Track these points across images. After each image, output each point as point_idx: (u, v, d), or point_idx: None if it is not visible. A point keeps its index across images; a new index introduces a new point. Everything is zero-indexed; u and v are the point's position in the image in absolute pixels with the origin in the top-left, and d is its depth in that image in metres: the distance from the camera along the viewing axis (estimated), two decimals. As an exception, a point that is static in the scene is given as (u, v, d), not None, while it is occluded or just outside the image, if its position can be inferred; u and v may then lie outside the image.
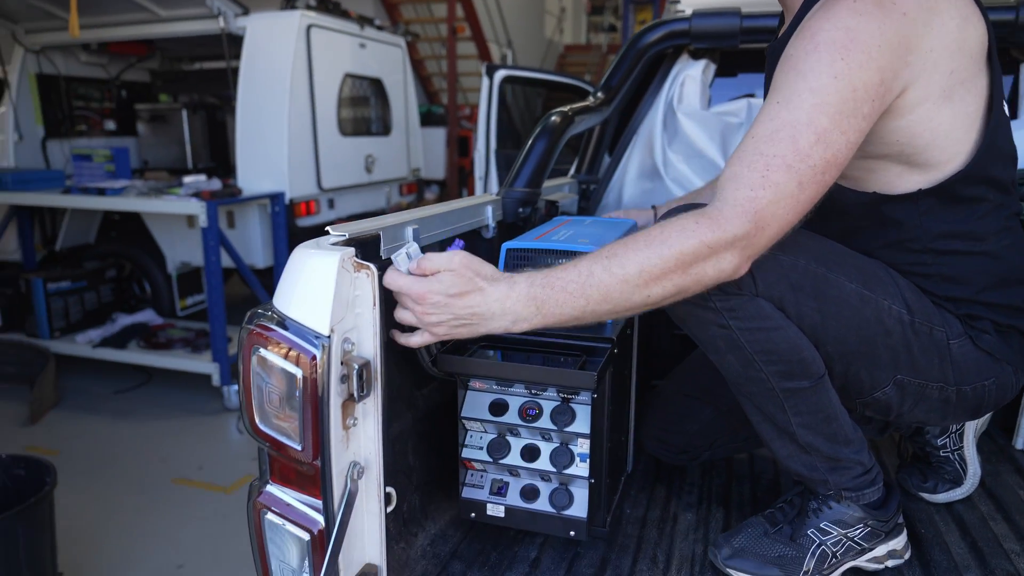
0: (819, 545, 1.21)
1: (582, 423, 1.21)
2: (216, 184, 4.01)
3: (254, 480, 1.09)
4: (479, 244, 1.67)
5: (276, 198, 4.12)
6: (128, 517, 2.86)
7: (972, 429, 1.44)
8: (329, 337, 0.97)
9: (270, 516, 1.06)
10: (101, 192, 3.90)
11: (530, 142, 1.87)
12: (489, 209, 1.66)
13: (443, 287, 1.01)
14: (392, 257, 1.05)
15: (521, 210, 1.79)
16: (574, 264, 0.99)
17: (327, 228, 1.10)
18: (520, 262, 1.38)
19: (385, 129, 5.27)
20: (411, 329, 1.09)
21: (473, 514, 1.29)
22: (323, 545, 1.02)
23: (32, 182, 4.14)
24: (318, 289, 0.98)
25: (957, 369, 1.14)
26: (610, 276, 0.97)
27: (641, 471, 1.62)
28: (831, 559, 1.21)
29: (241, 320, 1.02)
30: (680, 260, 0.96)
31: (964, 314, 1.15)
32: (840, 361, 1.13)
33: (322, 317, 0.97)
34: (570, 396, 1.24)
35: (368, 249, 1.10)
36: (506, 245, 1.38)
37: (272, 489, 1.07)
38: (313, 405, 0.98)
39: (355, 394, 1.01)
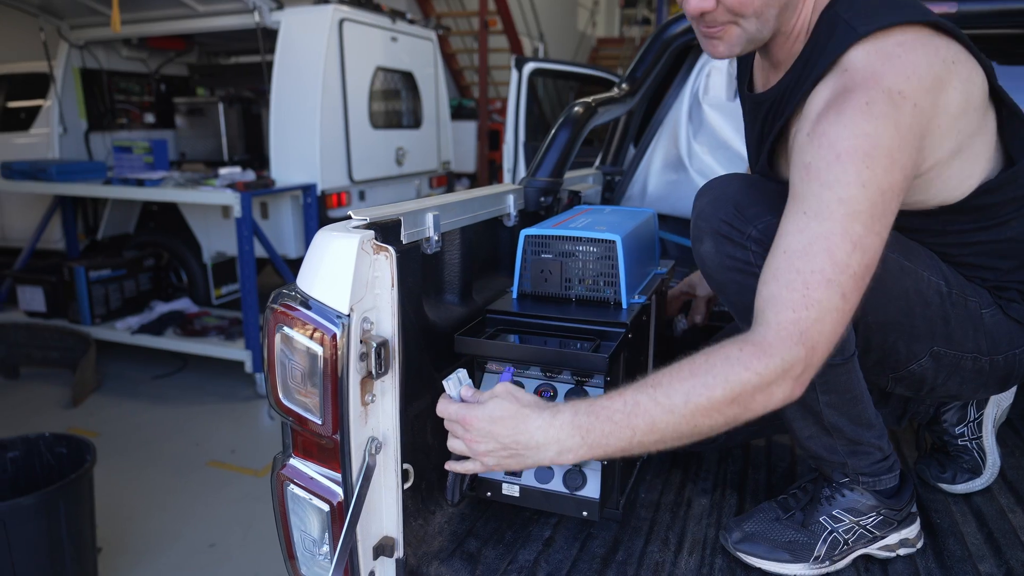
0: (831, 532, 1.21)
1: None
2: (250, 176, 4.10)
3: (278, 454, 1.14)
4: (500, 232, 1.70)
5: (308, 189, 4.19)
6: (163, 497, 2.96)
7: (991, 418, 1.43)
8: (349, 316, 1.01)
9: (293, 488, 1.10)
10: (140, 183, 4.01)
11: (553, 132, 1.89)
12: (511, 198, 1.68)
13: (486, 412, 1.03)
14: (444, 383, 1.10)
15: (543, 199, 1.81)
16: (619, 393, 0.97)
17: (350, 212, 1.14)
18: (539, 248, 1.40)
19: (416, 122, 5.32)
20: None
21: (489, 493, 1.32)
22: (342, 516, 1.06)
23: (75, 173, 4.28)
24: (339, 270, 1.02)
25: (990, 339, 1.16)
26: (656, 406, 0.94)
27: (657, 458, 1.63)
28: (842, 546, 1.22)
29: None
30: (727, 392, 0.92)
31: (992, 286, 1.18)
32: (879, 332, 1.15)
33: (342, 297, 1.01)
34: (584, 380, 1.26)
35: (389, 233, 1.14)
36: (525, 232, 1.41)
37: (295, 462, 1.11)
38: (333, 381, 1.02)
39: (373, 372, 1.05)
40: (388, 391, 1.10)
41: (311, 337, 1.02)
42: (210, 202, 3.82)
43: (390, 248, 1.05)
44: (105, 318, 4.38)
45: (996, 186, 1.08)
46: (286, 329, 1.04)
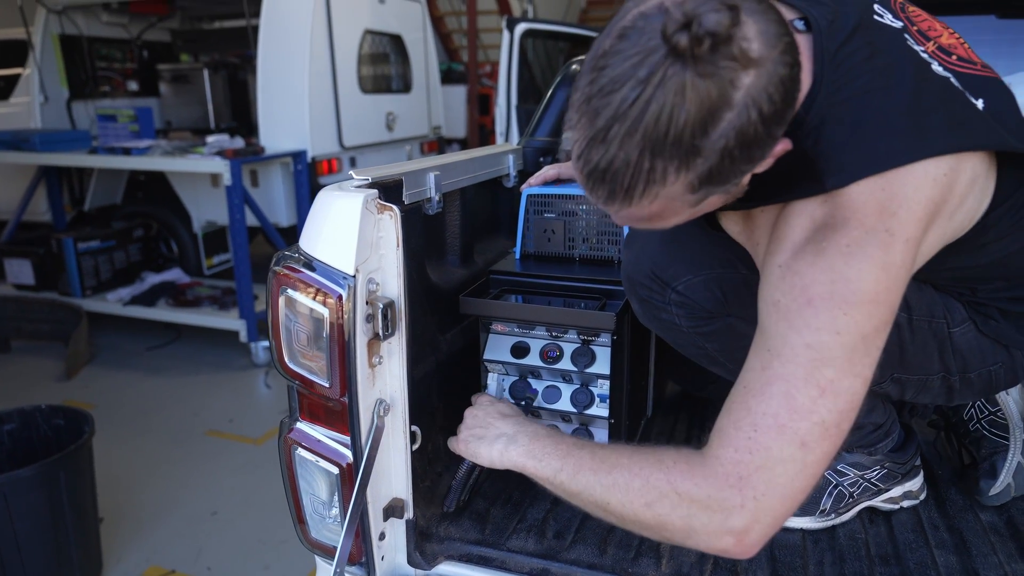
0: (836, 486, 1.22)
1: (602, 364, 1.24)
2: (239, 143, 4.03)
3: (284, 418, 1.13)
4: (500, 193, 1.69)
5: (298, 156, 4.13)
6: (163, 467, 2.96)
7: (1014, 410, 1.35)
8: (354, 277, 0.99)
9: (300, 451, 1.10)
10: (127, 152, 3.94)
11: (551, 91, 1.86)
12: (510, 158, 1.66)
13: (496, 400, 1.18)
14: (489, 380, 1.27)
15: (542, 159, 1.79)
16: (577, 437, 1.03)
17: (351, 172, 1.12)
18: (541, 208, 1.39)
19: (405, 86, 5.24)
20: None
21: None
22: (351, 478, 1.06)
23: (59, 143, 4.20)
24: (343, 230, 1.00)
25: (960, 358, 1.08)
26: (589, 459, 0.95)
27: (662, 416, 1.64)
28: (847, 499, 1.23)
29: (266, 278, 1.06)
30: (643, 491, 0.88)
31: (967, 301, 1.08)
32: None
33: (347, 258, 0.99)
34: (590, 338, 1.26)
35: (391, 193, 1.12)
36: (527, 191, 1.39)
37: (302, 426, 1.11)
38: (340, 343, 1.00)
39: (380, 333, 1.04)
40: (395, 353, 1.09)
41: (316, 299, 1.01)
42: (199, 170, 3.77)
43: (395, 207, 1.04)
44: (96, 290, 4.34)
45: (981, 224, 0.93)
46: (290, 292, 1.03)
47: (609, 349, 1.24)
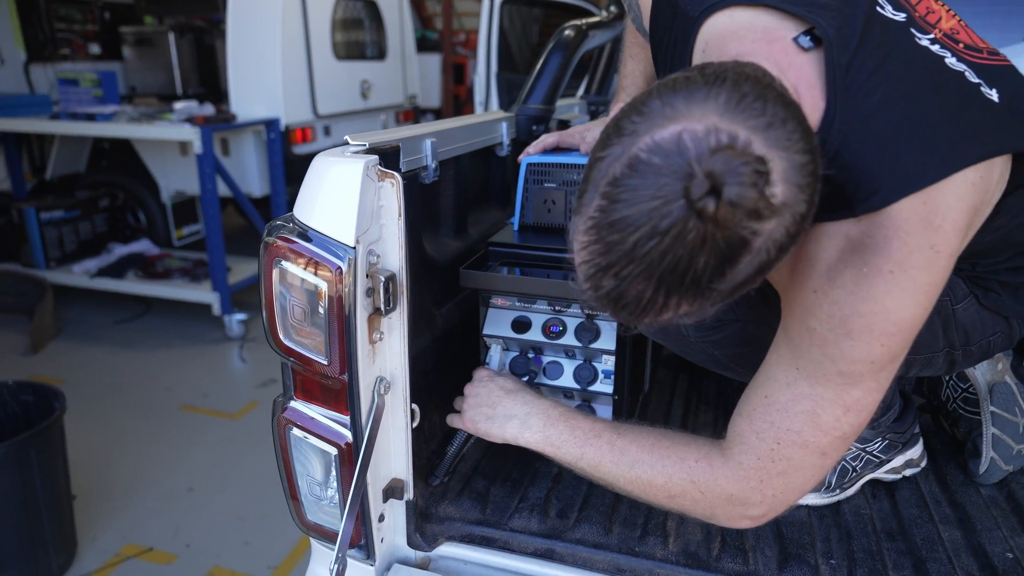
0: (839, 461, 1.21)
1: (607, 339, 1.20)
2: (209, 109, 3.88)
3: (278, 397, 1.07)
4: (492, 163, 1.63)
5: (271, 124, 4.01)
6: (137, 443, 2.88)
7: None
8: (354, 249, 0.94)
9: (296, 432, 1.05)
10: (91, 118, 3.78)
11: (544, 57, 1.79)
12: (504, 126, 1.60)
13: (496, 375, 1.16)
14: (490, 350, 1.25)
15: (535, 128, 1.73)
16: (595, 419, 1.03)
17: (346, 138, 1.05)
18: (541, 177, 1.33)
19: (380, 53, 5.10)
20: None
21: None
22: (351, 459, 1.01)
23: (18, 107, 4.01)
24: (342, 199, 0.94)
25: (962, 333, 1.08)
26: (608, 452, 0.98)
27: (657, 390, 1.62)
28: (851, 473, 1.22)
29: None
30: (666, 486, 0.93)
31: (967, 276, 1.06)
32: None
33: (347, 228, 0.94)
34: (595, 312, 1.22)
35: (388, 160, 1.06)
36: (527, 159, 1.34)
37: (296, 405, 1.06)
38: (339, 319, 0.95)
39: (381, 308, 0.99)
40: (395, 328, 1.04)
41: (313, 272, 0.95)
42: (169, 138, 3.63)
43: (396, 175, 0.98)
44: (60, 261, 4.18)
45: (994, 211, 0.89)
46: (284, 264, 0.97)
47: (615, 323, 1.20)
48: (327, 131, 4.51)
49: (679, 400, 1.58)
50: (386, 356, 1.04)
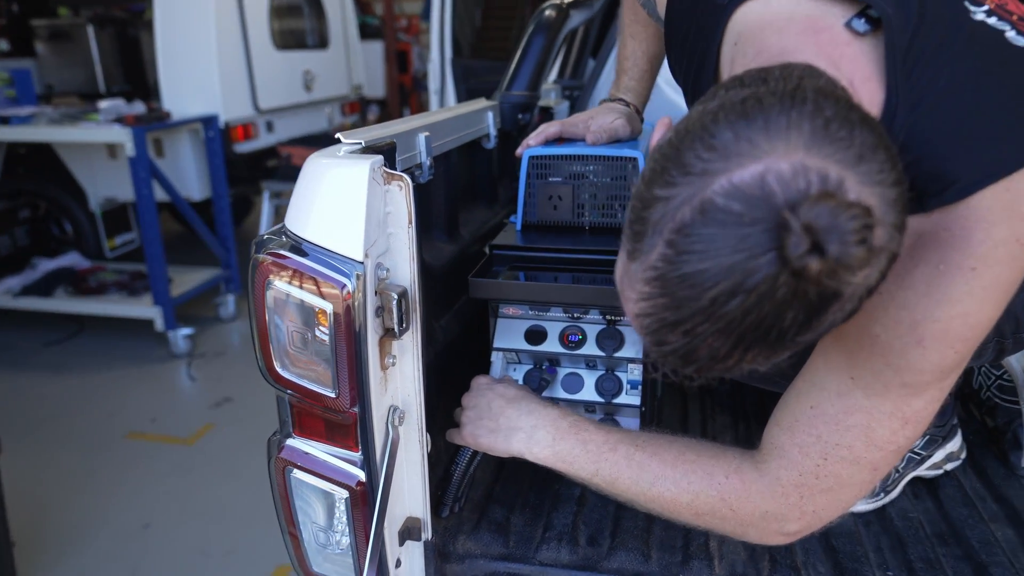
0: (882, 461, 1.17)
1: (633, 347, 1.14)
2: (139, 108, 3.71)
3: (273, 435, 0.99)
4: (478, 156, 1.57)
5: (209, 122, 3.86)
6: (81, 479, 2.72)
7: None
8: (363, 263, 0.85)
9: (297, 474, 0.97)
10: (5, 121, 3.54)
11: (525, 40, 1.72)
12: (490, 116, 1.54)
13: (495, 381, 1.11)
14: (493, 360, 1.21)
15: (521, 116, 1.66)
16: (609, 429, 0.98)
17: (337, 135, 0.97)
18: (545, 171, 1.26)
19: (322, 42, 4.95)
20: None
21: None
22: (364, 501, 0.94)
23: (-81, 112, 3.73)
24: (346, 206, 0.85)
25: (1013, 320, 1.03)
26: (626, 468, 0.93)
27: (668, 394, 1.57)
28: (894, 475, 1.19)
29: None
30: (692, 505, 0.89)
31: None
32: None
33: (354, 240, 0.85)
34: (616, 317, 1.16)
35: (386, 159, 0.96)
36: (529, 153, 1.27)
37: (296, 443, 0.97)
38: (348, 344, 0.87)
39: (395, 328, 0.90)
40: (407, 350, 0.96)
41: (316, 292, 0.86)
42: (97, 140, 3.44)
43: (405, 176, 0.89)
44: (-22, 281, 3.92)
45: None
46: (278, 284, 0.88)
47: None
48: (270, 127, 4.36)
49: (694, 404, 1.53)
50: (398, 382, 0.97)
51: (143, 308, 3.71)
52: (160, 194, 3.72)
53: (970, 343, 0.73)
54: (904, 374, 0.74)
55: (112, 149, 3.94)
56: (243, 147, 4.10)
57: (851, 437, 0.78)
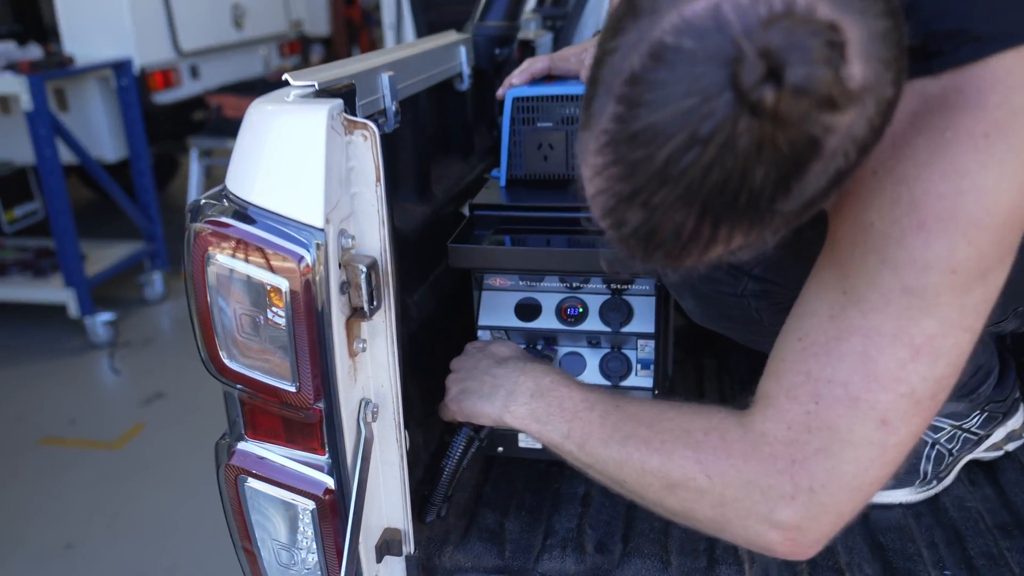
0: (932, 445, 1.18)
1: (643, 320, 1.15)
2: (35, 52, 3.67)
3: (222, 439, 0.98)
4: (449, 99, 1.56)
5: (121, 67, 3.81)
6: (-11, 494, 2.69)
7: None
8: (323, 231, 0.83)
9: (253, 483, 0.96)
10: None
11: (502, -42, 1.67)
12: (462, 51, 1.52)
13: (491, 342, 1.14)
14: None
15: (498, 51, 1.65)
16: (592, 389, 0.98)
17: (285, 77, 0.93)
18: (532, 116, 1.26)
19: (252, -31, 4.85)
20: None
21: (501, 448, 1.23)
22: (334, 512, 0.93)
23: None
24: (301, 162, 0.83)
25: None
26: (600, 427, 0.91)
27: (680, 374, 1.57)
28: (948, 458, 1.19)
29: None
30: (663, 471, 0.84)
31: None
32: None
33: (311, 203, 0.83)
34: (623, 286, 1.16)
35: (346, 104, 0.93)
36: (512, 92, 1.25)
37: (249, 447, 0.96)
38: (309, 327, 0.85)
39: (364, 307, 0.89)
40: (380, 332, 0.95)
41: (267, 266, 0.84)
42: (-17, 92, 3.34)
43: (370, 124, 0.87)
44: None
45: None
46: (221, 258, 0.86)
47: (653, 299, 1.14)
48: (194, 72, 4.33)
49: (711, 385, 1.54)
50: (370, 371, 0.96)
51: (53, 291, 3.67)
52: (67, 155, 3.67)
53: (987, 233, 0.69)
54: (904, 273, 0.70)
55: (4, 103, 3.87)
56: (164, 97, 4.05)
57: (846, 369, 0.73)
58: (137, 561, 2.36)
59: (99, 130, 3.94)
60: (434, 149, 1.49)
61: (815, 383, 0.75)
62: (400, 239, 1.20)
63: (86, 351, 3.67)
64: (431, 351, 1.29)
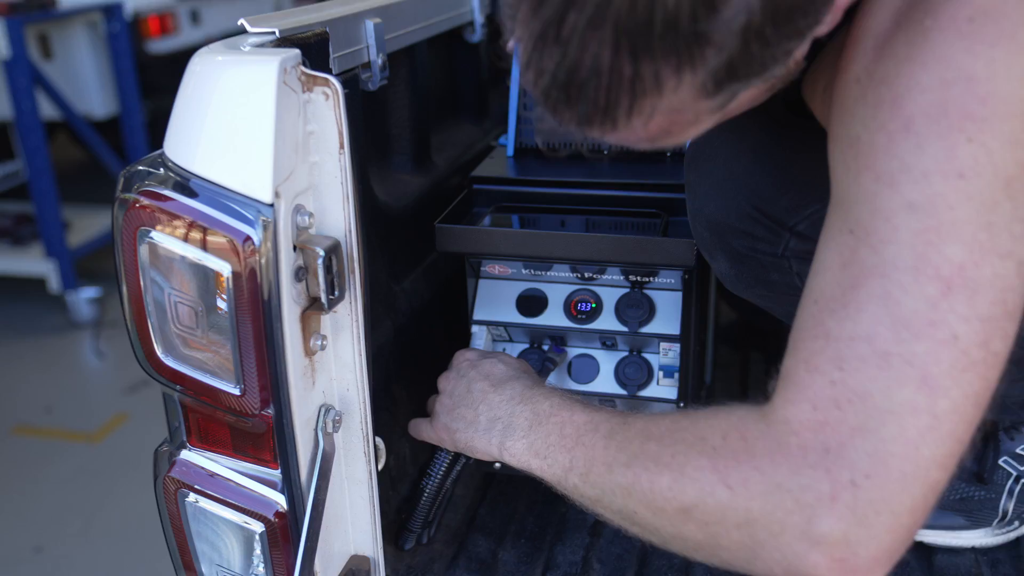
0: (1017, 479, 1.15)
1: (667, 319, 1.14)
2: (14, -8, 3.72)
3: (162, 445, 0.99)
4: (458, 52, 1.57)
5: (111, 11, 3.85)
6: (-48, 487, 2.78)
7: None
8: (272, 206, 0.82)
9: (194, 500, 0.97)
10: None
11: None
12: None
13: (485, 356, 1.12)
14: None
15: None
16: (599, 409, 0.96)
17: (241, 21, 0.92)
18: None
19: None
20: None
21: (499, 464, 1.18)
22: (286, 536, 0.94)
23: None
24: (246, 125, 0.83)
25: None
26: (603, 449, 0.89)
27: (721, 379, 1.57)
28: (1032, 493, 1.14)
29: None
30: (675, 490, 0.78)
31: None
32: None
33: (258, 174, 0.82)
34: (645, 279, 1.15)
35: (313, 56, 0.95)
36: (523, 44, 1.22)
37: (192, 457, 0.97)
38: (255, 320, 0.85)
39: (322, 297, 0.88)
40: (344, 327, 0.95)
41: (208, 247, 0.84)
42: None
43: (333, 80, 0.86)
44: None
45: None
46: (157, 236, 0.86)
47: (680, 294, 1.13)
48: (195, 17, 4.39)
49: (758, 392, 1.49)
50: (332, 373, 0.96)
51: (32, 262, 3.74)
52: (50, 110, 3.72)
53: (990, 129, 0.67)
54: (903, 185, 0.69)
55: (-22, 51, 3.98)
56: (160, 45, 4.09)
57: (867, 320, 0.69)
58: (113, 569, 2.42)
59: (86, 82, 3.99)
60: (438, 111, 1.50)
61: (836, 344, 0.71)
62: (389, 216, 1.23)
63: (67, 331, 3.76)
64: (424, 347, 1.29)
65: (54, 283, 3.70)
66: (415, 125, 1.31)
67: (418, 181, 1.31)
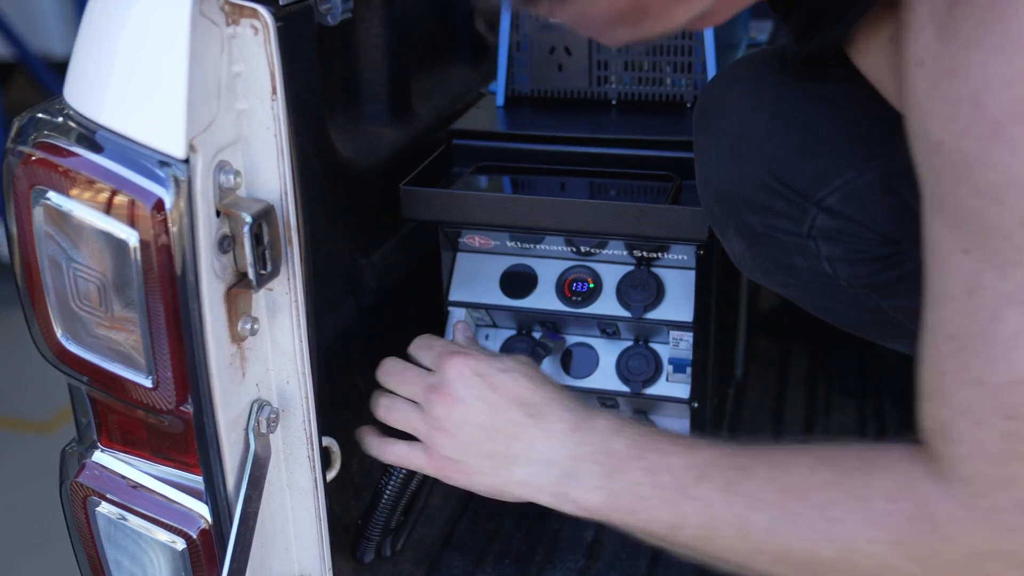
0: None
1: (678, 303, 1.14)
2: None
3: (69, 444, 1.01)
4: None
5: None
6: None
7: None
8: (186, 162, 0.82)
9: (106, 509, 0.98)
10: None
11: None
12: None
13: (501, 368, 1.04)
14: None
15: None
16: (690, 444, 0.96)
17: None
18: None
19: None
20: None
21: None
22: (210, 554, 0.95)
23: None
24: (155, 64, 0.82)
25: None
26: (728, 506, 0.88)
27: (756, 375, 1.56)
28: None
29: None
30: (844, 561, 0.82)
31: None
32: None
33: (169, 122, 0.81)
34: (653, 256, 1.15)
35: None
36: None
37: (104, 459, 0.98)
38: (166, 299, 0.85)
39: (250, 273, 0.88)
40: (282, 308, 0.95)
41: (110, 210, 0.84)
42: None
43: (261, 11, 0.84)
44: None
45: None
46: (55, 197, 0.86)
47: (693, 273, 1.13)
48: None
49: (797, 391, 1.50)
50: (268, 362, 0.97)
51: (-20, 225, 3.77)
52: (1, 48, 3.80)
53: None
54: (1012, 202, 0.69)
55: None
56: (127, -27, 4.08)
57: (1021, 359, 0.72)
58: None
59: (44, 16, 4.06)
60: (424, 51, 1.51)
61: (995, 391, 0.73)
62: (355, 176, 1.24)
63: (14, 305, 3.77)
64: (397, 332, 1.28)
65: (4, 249, 3.73)
66: (391, 68, 1.31)
67: (394, 135, 1.31)
